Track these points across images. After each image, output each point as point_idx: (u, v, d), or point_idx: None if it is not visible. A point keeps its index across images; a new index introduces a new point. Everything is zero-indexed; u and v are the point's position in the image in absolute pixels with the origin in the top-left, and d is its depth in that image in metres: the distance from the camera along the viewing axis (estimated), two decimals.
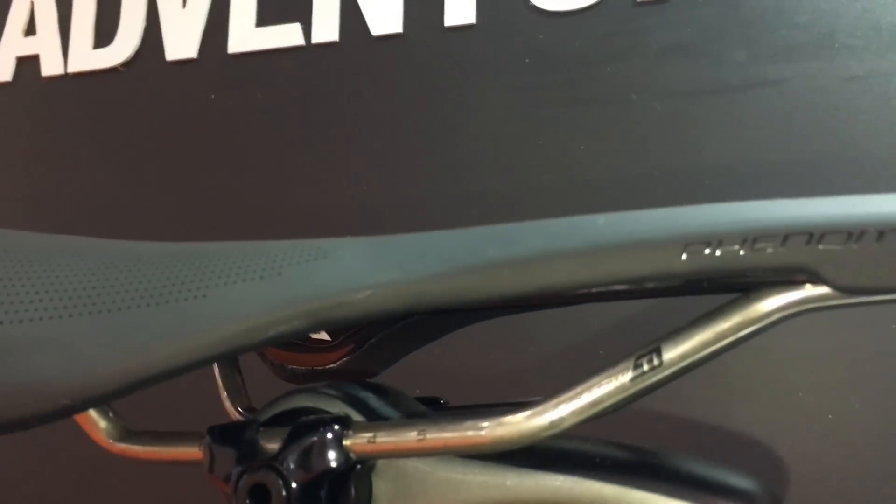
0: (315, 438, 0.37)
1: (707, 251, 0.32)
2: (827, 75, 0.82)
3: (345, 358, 0.49)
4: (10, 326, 0.36)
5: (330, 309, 0.36)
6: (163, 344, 0.35)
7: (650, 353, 0.34)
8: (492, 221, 0.37)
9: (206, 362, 0.36)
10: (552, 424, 0.35)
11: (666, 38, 0.88)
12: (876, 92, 0.81)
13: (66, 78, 1.10)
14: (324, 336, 0.50)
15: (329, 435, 0.37)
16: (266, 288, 0.36)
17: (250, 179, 1.01)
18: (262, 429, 0.40)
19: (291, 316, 0.36)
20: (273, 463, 0.38)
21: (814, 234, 0.31)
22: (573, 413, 0.35)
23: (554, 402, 0.35)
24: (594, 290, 0.36)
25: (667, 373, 0.34)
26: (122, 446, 0.43)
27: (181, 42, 1.05)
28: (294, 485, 0.37)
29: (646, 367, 0.34)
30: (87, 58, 1.09)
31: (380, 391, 0.44)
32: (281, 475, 0.37)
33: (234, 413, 0.48)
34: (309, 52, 1.00)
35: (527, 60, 0.93)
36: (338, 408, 0.41)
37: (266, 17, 1.02)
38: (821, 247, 0.31)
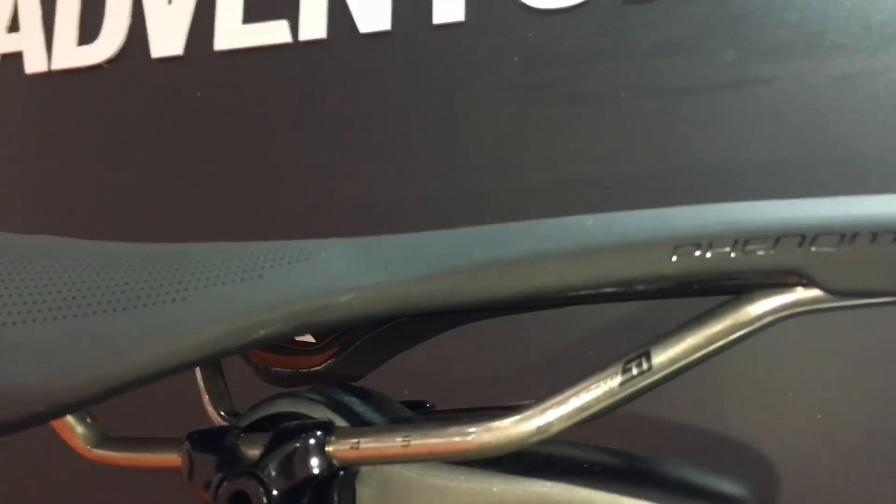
0: (297, 444, 0.37)
1: (697, 253, 0.32)
2: (817, 74, 0.82)
3: (330, 360, 0.49)
4: None
5: (312, 312, 0.35)
6: (140, 348, 0.35)
7: (639, 357, 0.34)
8: (481, 221, 0.37)
9: (184, 367, 0.35)
10: (539, 430, 0.34)
11: (655, 36, 0.87)
12: (866, 91, 0.81)
13: (50, 75, 1.08)
14: (308, 338, 0.49)
15: (311, 441, 0.37)
16: (247, 290, 0.35)
17: (237, 178, 1.00)
18: (242, 434, 0.39)
19: (273, 319, 0.35)
20: (254, 470, 0.37)
21: (806, 236, 0.31)
22: (561, 418, 0.34)
23: (541, 407, 0.35)
24: (583, 292, 0.35)
25: (656, 377, 0.34)
26: (100, 452, 0.42)
27: (167, 39, 1.04)
28: (275, 492, 0.36)
29: (635, 372, 0.34)
30: (71, 55, 1.08)
31: (364, 395, 0.43)
32: (262, 482, 0.36)
33: (216, 418, 0.47)
34: (296, 49, 0.99)
35: (516, 58, 0.92)
36: (321, 413, 0.40)
37: (253, 13, 1.01)
38: (813, 249, 0.31)
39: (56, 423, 0.43)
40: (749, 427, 0.79)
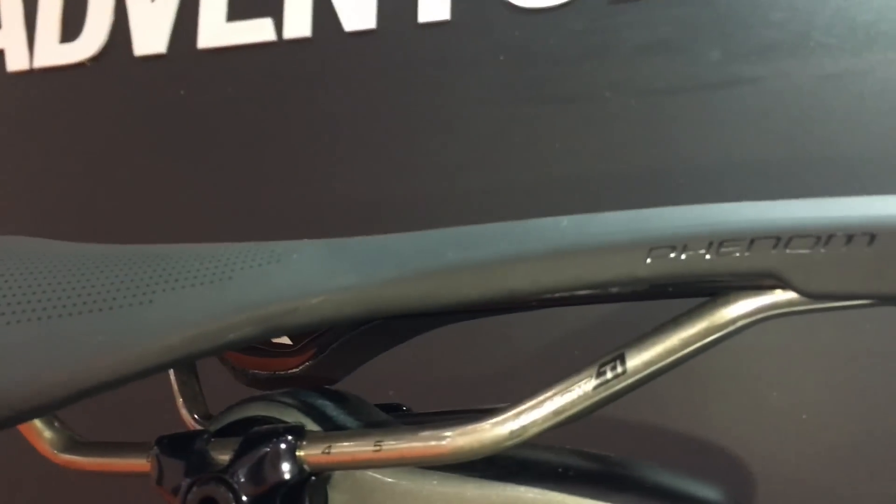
0: (267, 449, 0.36)
1: (672, 255, 0.31)
2: (802, 74, 0.82)
3: (308, 363, 0.48)
4: None
5: (283, 315, 0.34)
6: (105, 352, 0.34)
7: (614, 360, 0.33)
8: (465, 221, 0.36)
9: (152, 371, 0.34)
10: (513, 434, 0.34)
11: (641, 35, 0.87)
12: (851, 91, 0.81)
13: (31, 73, 1.07)
14: (285, 340, 0.48)
15: (282, 446, 0.36)
16: (216, 293, 0.35)
17: (220, 177, 0.99)
18: (213, 439, 0.39)
19: (241, 322, 0.34)
20: (223, 475, 0.36)
21: (781, 238, 0.30)
22: (535, 422, 0.34)
23: (515, 410, 0.34)
24: (558, 294, 0.35)
25: (631, 380, 0.33)
26: (68, 457, 0.42)
27: (150, 36, 1.03)
28: (245, 498, 0.36)
29: (609, 375, 0.33)
30: (53, 52, 1.07)
31: (339, 398, 0.42)
32: (231, 488, 0.36)
33: (190, 421, 0.46)
34: (281, 47, 0.98)
35: (501, 57, 0.91)
36: (293, 417, 0.39)
37: (237, 11, 1.00)
38: (788, 251, 0.30)
39: (23, 428, 0.42)
40: (733, 427, 0.79)
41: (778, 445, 0.78)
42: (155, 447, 0.39)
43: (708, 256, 0.31)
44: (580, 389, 0.34)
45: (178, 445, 0.38)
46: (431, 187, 0.91)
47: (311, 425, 0.39)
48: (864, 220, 0.30)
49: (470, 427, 0.35)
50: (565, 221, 0.34)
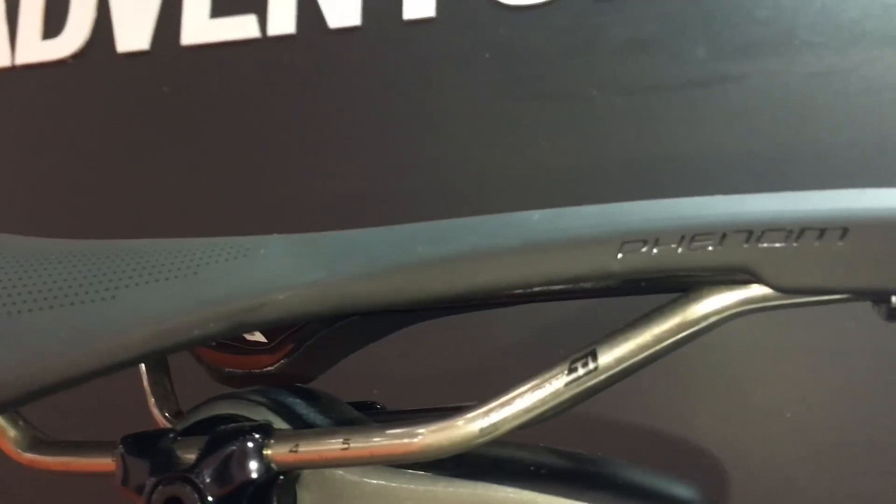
0: (234, 448, 0.35)
1: (644, 249, 0.31)
2: (787, 72, 0.82)
3: (283, 360, 0.47)
4: None
5: (249, 311, 0.34)
6: (66, 348, 0.33)
7: (585, 356, 0.33)
8: (449, 216, 0.35)
9: (115, 368, 0.34)
10: (483, 432, 0.33)
11: (626, 33, 0.86)
12: (836, 88, 0.81)
13: (13, 70, 1.06)
14: (260, 338, 0.47)
15: (249, 444, 0.35)
16: (180, 288, 0.34)
17: (204, 173, 0.98)
18: (179, 438, 0.38)
19: (207, 318, 0.33)
20: (189, 475, 0.35)
21: (753, 232, 0.30)
22: (506, 419, 0.33)
23: (486, 408, 0.34)
24: (529, 290, 0.34)
25: (603, 377, 0.33)
26: (32, 456, 0.41)
27: (133, 33, 1.02)
28: (211, 497, 0.35)
29: (581, 372, 0.33)
30: (35, 49, 1.06)
31: (309, 396, 0.42)
32: (196, 488, 0.35)
33: (160, 419, 0.45)
34: (265, 44, 0.98)
35: (487, 55, 0.91)
36: (261, 415, 0.39)
37: (220, 8, 1.00)
38: (760, 245, 0.30)
39: None
40: (716, 425, 0.79)
41: (762, 443, 0.78)
42: (120, 446, 0.38)
43: (680, 251, 0.30)
44: (551, 386, 0.33)
45: (143, 444, 0.38)
46: (416, 184, 0.91)
47: (280, 423, 0.38)
48: (837, 214, 0.29)
49: (440, 424, 0.34)
50: (537, 216, 0.34)
